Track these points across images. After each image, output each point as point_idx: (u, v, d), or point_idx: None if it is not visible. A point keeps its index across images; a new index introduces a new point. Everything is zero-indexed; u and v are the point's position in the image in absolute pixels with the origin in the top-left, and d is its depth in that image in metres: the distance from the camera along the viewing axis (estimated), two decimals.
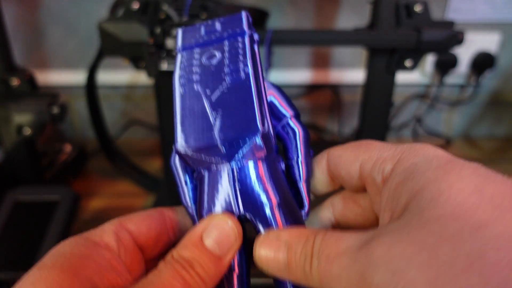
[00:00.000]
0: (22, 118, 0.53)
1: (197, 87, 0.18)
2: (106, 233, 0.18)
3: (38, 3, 0.71)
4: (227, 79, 0.18)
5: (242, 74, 0.18)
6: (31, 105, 0.53)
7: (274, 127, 0.18)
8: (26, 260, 0.42)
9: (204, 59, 0.19)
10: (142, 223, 0.19)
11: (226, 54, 0.19)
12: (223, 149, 0.17)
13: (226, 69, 0.18)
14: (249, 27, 0.19)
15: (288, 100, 0.20)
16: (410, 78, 0.77)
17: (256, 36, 0.19)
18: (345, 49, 0.77)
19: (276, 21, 0.73)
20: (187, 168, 0.20)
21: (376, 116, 0.59)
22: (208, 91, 0.18)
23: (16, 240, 0.45)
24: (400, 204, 0.14)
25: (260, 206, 0.17)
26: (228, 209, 0.17)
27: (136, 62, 0.51)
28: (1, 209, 0.47)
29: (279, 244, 0.16)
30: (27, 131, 0.53)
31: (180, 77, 0.19)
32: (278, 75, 0.77)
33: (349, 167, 0.18)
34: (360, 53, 0.76)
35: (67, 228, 0.46)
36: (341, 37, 0.53)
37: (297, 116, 0.20)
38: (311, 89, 0.80)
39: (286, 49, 0.76)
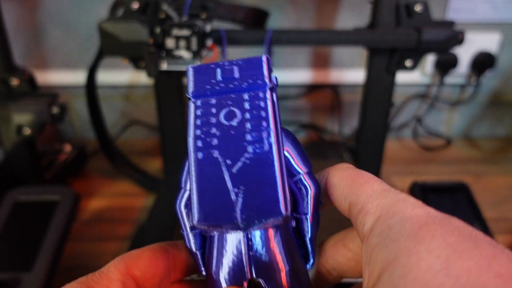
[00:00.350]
0: (22, 118, 0.53)
1: (216, 154, 0.17)
2: (113, 283, 0.17)
3: (38, 3, 0.71)
4: (250, 148, 0.17)
5: (266, 146, 0.17)
6: (31, 105, 0.53)
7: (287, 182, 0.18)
8: (26, 260, 0.42)
9: (222, 117, 0.17)
10: (148, 267, 0.18)
11: (247, 115, 0.17)
12: (241, 226, 0.17)
13: (248, 136, 0.17)
14: (270, 74, 0.18)
15: (302, 154, 0.19)
16: (410, 78, 0.77)
17: (275, 81, 0.18)
18: (345, 49, 0.77)
19: (276, 21, 0.73)
20: None
21: (376, 116, 0.59)
22: (228, 161, 0.17)
23: (16, 240, 0.45)
24: (375, 271, 0.15)
25: (273, 273, 0.17)
26: (241, 274, 0.17)
27: (136, 62, 0.51)
28: (1, 209, 0.47)
29: None
30: (27, 131, 0.53)
31: (197, 138, 0.17)
32: (278, 75, 0.77)
33: (340, 203, 0.19)
34: (360, 53, 0.76)
35: (67, 228, 0.46)
36: (341, 37, 0.53)
37: (310, 173, 0.19)
38: (311, 89, 0.80)
39: (286, 49, 0.76)
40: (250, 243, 0.17)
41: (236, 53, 0.71)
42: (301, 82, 0.79)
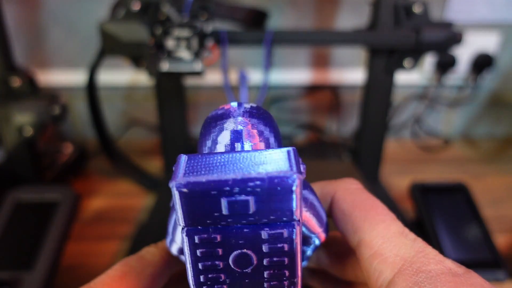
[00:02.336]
0: (23, 118, 0.53)
1: None
2: None
3: (39, 3, 0.71)
4: None
5: None
6: (32, 106, 0.53)
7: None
8: (27, 259, 0.42)
9: (232, 262, 0.13)
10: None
11: (265, 262, 0.13)
12: None
13: (265, 285, 0.14)
14: (301, 204, 0.13)
15: (318, 214, 0.17)
16: (410, 78, 0.78)
17: (302, 169, 0.13)
18: (345, 50, 0.77)
19: (276, 21, 0.73)
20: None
21: (375, 116, 0.59)
22: None
23: (17, 240, 0.45)
24: None
25: None
26: None
27: (137, 62, 0.51)
28: (2, 209, 0.47)
29: None
30: (28, 132, 0.53)
31: (201, 285, 0.14)
32: (278, 75, 0.77)
33: (347, 233, 0.18)
34: (360, 53, 0.76)
35: (68, 228, 0.46)
36: (341, 37, 0.53)
37: (323, 232, 0.18)
38: (311, 89, 0.81)
39: (286, 49, 0.76)
40: None
41: (236, 53, 0.72)
42: (300, 82, 0.79)
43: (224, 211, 0.12)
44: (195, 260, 0.13)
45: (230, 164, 0.13)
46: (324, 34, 0.54)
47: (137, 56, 0.49)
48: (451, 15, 0.73)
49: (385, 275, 0.16)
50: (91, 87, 0.60)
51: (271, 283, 0.13)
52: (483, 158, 0.77)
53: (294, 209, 0.12)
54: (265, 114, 0.16)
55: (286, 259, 0.13)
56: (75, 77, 0.75)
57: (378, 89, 0.57)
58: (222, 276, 0.13)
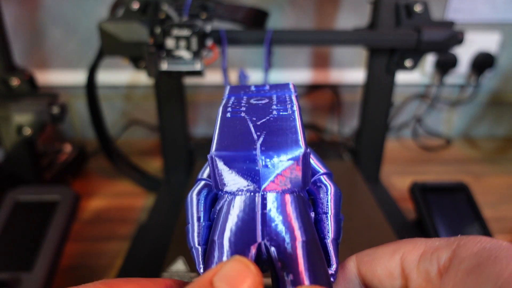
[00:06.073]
0: (22, 118, 0.53)
1: (243, 114, 0.19)
2: None
3: (38, 3, 0.71)
4: (274, 112, 0.19)
5: (289, 110, 0.19)
6: (31, 105, 0.53)
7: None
8: (27, 260, 0.42)
9: (253, 100, 0.20)
10: None
11: (274, 100, 0.20)
12: (261, 163, 0.16)
13: (273, 106, 0.19)
14: (296, 93, 0.20)
15: (321, 160, 0.20)
16: (410, 78, 0.77)
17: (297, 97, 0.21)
18: (345, 49, 0.77)
19: (276, 21, 0.73)
20: (205, 204, 0.18)
21: (376, 116, 0.59)
22: (254, 118, 0.18)
23: (16, 240, 0.45)
24: (487, 285, 0.13)
25: (286, 241, 0.16)
26: (250, 235, 0.16)
27: (136, 62, 0.51)
28: (1, 209, 0.47)
29: None
30: (27, 131, 0.53)
31: (226, 108, 0.19)
32: (278, 75, 0.77)
33: (387, 261, 0.16)
34: (360, 53, 0.76)
35: (67, 228, 0.46)
36: (341, 37, 0.53)
37: (329, 175, 0.19)
38: (311, 89, 0.80)
39: (286, 49, 0.76)
40: (265, 202, 0.16)
41: (236, 53, 0.71)
42: (301, 82, 0.79)
43: (252, 88, 0.21)
44: (226, 103, 0.20)
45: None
46: (324, 34, 0.54)
47: (137, 55, 0.49)
48: (452, 14, 0.73)
49: (444, 258, 0.14)
50: (91, 87, 0.59)
51: (278, 105, 0.19)
52: (484, 158, 0.77)
53: (291, 89, 0.21)
54: None
55: (288, 101, 0.20)
56: (75, 77, 0.75)
57: (379, 89, 0.57)
58: (243, 103, 0.20)
